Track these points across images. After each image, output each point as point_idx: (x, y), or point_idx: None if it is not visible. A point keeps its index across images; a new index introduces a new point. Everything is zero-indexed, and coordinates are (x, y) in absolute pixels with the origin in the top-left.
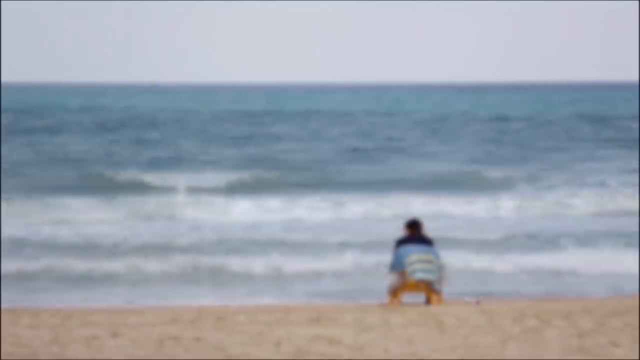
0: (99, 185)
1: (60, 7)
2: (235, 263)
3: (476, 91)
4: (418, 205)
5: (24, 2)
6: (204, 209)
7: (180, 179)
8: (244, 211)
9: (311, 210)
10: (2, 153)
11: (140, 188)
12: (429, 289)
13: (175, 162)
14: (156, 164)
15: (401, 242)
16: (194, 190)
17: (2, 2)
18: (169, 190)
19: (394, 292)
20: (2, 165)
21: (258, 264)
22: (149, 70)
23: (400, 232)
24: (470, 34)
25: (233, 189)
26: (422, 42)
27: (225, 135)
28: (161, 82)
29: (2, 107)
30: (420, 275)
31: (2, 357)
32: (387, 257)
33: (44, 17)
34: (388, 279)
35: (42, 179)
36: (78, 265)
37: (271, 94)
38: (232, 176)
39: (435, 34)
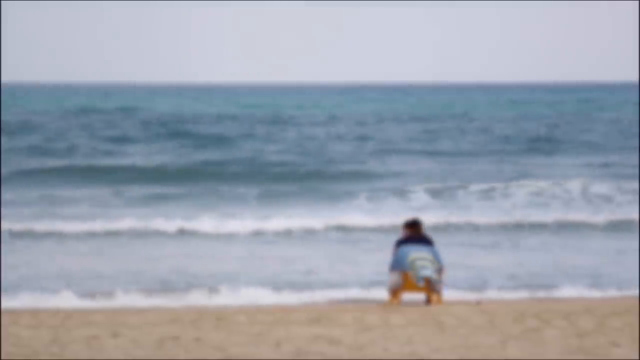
0: None
1: (59, 6)
2: None
3: (476, 91)
4: None
5: (24, 2)
6: None
7: None
8: None
9: None
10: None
11: None
12: (429, 289)
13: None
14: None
15: (401, 242)
16: None
17: (2, 1)
18: None
19: (394, 292)
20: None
21: None
22: (148, 70)
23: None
24: (468, 33)
25: None
26: (419, 42)
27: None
28: (161, 82)
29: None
30: (425, 273)
31: (2, 357)
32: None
33: (44, 17)
34: (389, 279)
35: None
36: None
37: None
38: None
39: (433, 34)
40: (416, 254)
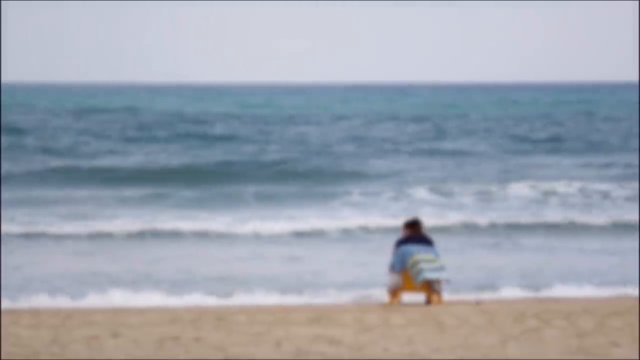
0: None
1: (59, 6)
2: None
3: (476, 90)
4: None
5: (24, 2)
6: None
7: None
8: None
9: None
10: None
11: None
12: (430, 289)
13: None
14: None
15: (401, 242)
16: None
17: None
18: None
19: (394, 292)
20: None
21: None
22: (147, 69)
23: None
24: (468, 33)
25: None
26: (419, 42)
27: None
28: (159, 82)
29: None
30: (429, 275)
31: (2, 357)
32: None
33: (45, 17)
34: (389, 279)
35: None
36: None
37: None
38: None
39: (433, 34)
40: (419, 255)
